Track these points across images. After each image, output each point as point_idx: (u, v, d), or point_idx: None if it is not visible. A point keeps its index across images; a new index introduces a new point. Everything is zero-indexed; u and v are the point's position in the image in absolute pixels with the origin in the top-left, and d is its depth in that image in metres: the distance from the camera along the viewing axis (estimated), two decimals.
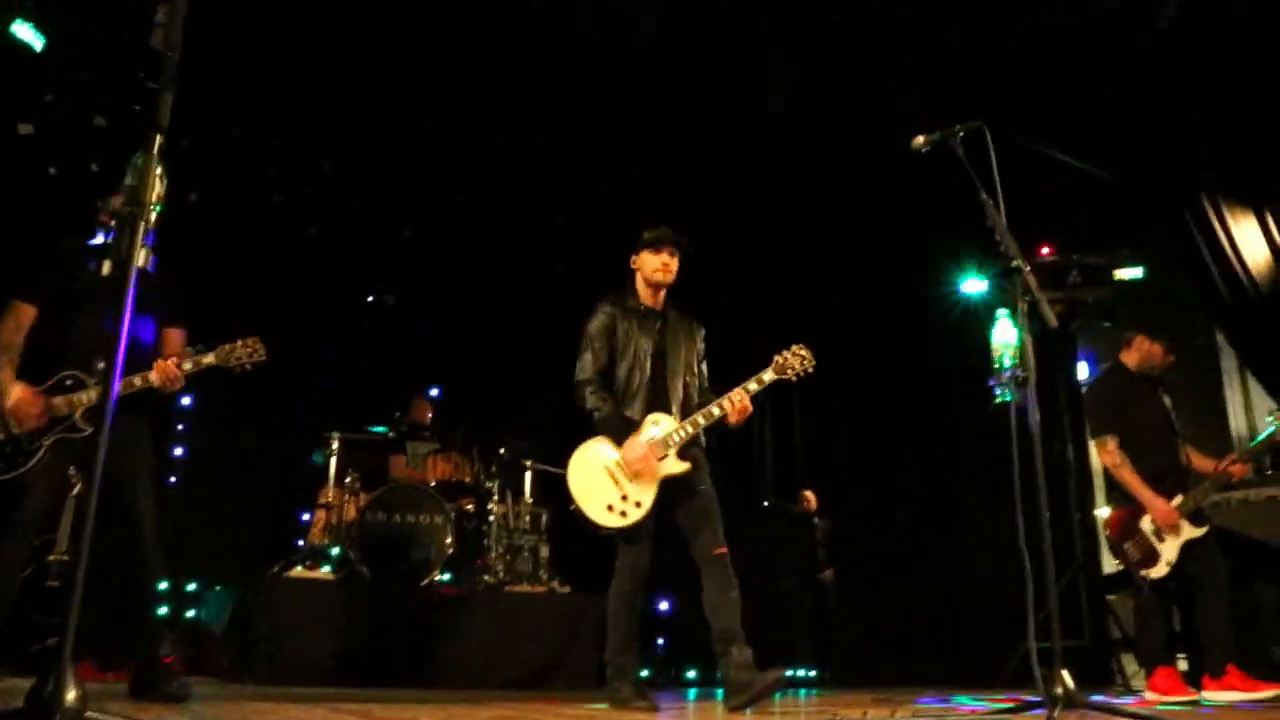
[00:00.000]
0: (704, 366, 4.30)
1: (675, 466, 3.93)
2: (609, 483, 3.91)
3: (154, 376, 3.57)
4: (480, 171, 7.66)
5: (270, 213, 7.57)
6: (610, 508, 3.88)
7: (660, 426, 3.96)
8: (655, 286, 4.21)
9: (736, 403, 3.93)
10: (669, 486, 3.94)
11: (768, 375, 4.01)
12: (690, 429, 3.95)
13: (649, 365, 4.09)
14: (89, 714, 1.59)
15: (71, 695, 1.53)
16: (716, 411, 3.94)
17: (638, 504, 3.88)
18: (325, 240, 7.88)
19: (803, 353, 4.04)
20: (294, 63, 6.44)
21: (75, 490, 5.06)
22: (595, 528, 3.89)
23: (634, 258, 4.25)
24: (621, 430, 3.96)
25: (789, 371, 4.02)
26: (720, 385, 4.12)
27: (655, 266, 4.16)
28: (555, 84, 6.71)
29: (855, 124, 6.89)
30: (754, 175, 7.49)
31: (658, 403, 4.05)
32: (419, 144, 7.29)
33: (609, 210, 8.14)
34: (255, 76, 6.42)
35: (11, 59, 5.76)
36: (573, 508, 3.92)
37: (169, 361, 3.59)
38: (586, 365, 4.11)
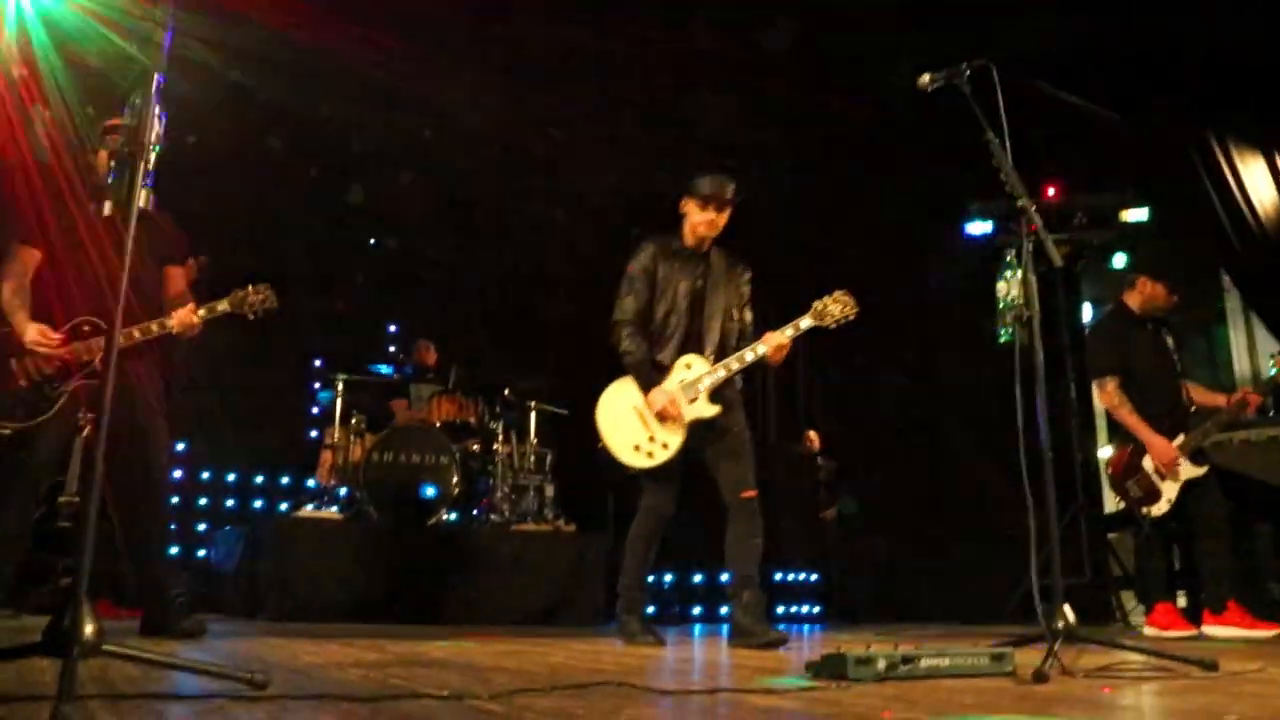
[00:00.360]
0: (748, 312, 4.17)
1: (706, 409, 3.88)
2: (637, 423, 3.88)
3: (173, 324, 3.60)
4: (483, 114, 7.57)
5: (270, 156, 7.51)
6: (637, 448, 3.86)
7: (692, 370, 3.92)
8: (699, 237, 4.10)
9: (773, 345, 3.86)
10: (699, 428, 3.89)
11: (805, 321, 3.91)
12: (724, 372, 3.90)
13: (686, 308, 4.02)
14: (106, 647, 1.62)
15: (89, 629, 1.56)
16: (750, 356, 3.89)
17: (664, 445, 3.85)
18: (326, 183, 7.82)
19: (845, 299, 3.93)
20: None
21: (84, 433, 5.09)
22: (622, 467, 3.87)
23: (683, 201, 4.12)
24: (649, 377, 3.91)
25: (828, 318, 3.91)
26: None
27: (701, 221, 4.05)
28: (558, 25, 6.59)
29: (855, 60, 6.78)
30: (753, 114, 7.40)
31: (692, 346, 3.99)
32: (420, 88, 7.20)
33: (611, 156, 8.08)
34: (255, 16, 6.32)
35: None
36: (600, 446, 3.91)
37: (187, 309, 3.62)
38: (627, 307, 4.04)
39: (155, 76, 1.75)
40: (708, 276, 4.08)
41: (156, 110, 1.73)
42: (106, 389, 1.63)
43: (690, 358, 3.95)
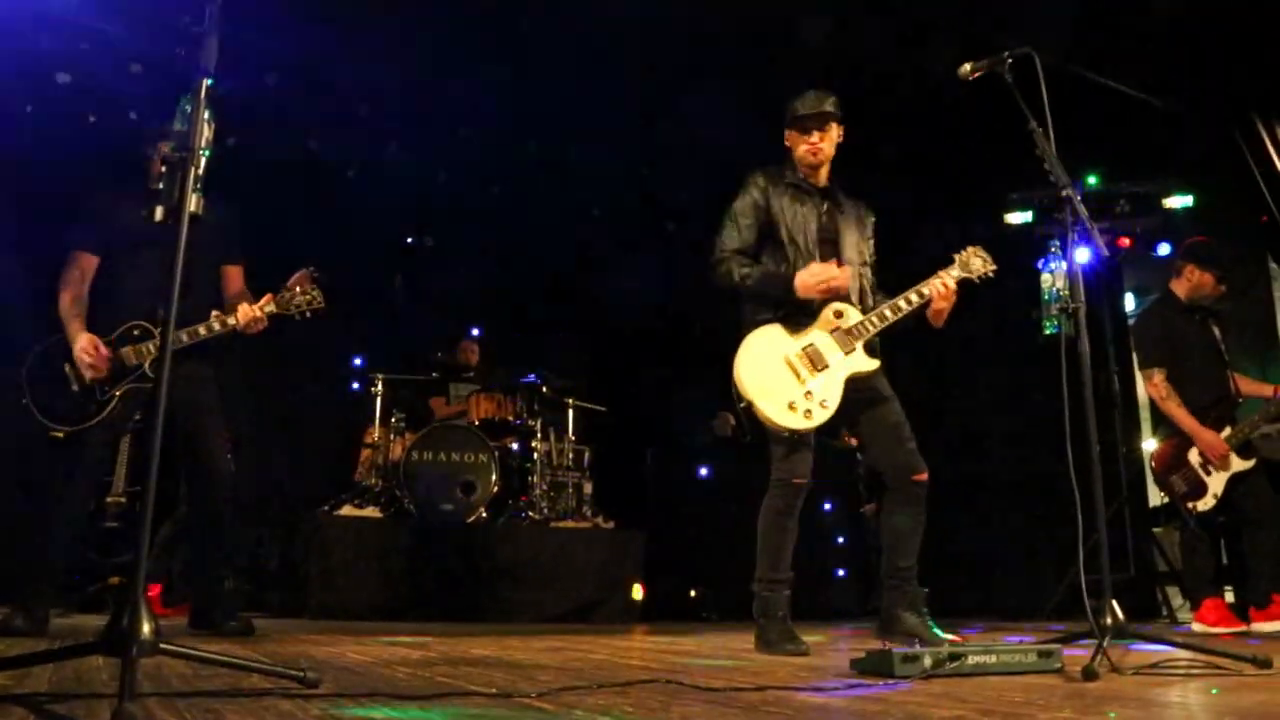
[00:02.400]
0: (872, 262, 3.70)
1: (865, 363, 3.40)
2: (790, 376, 3.31)
3: (238, 321, 3.64)
4: (518, 114, 7.60)
5: (308, 155, 7.57)
6: (792, 405, 3.27)
7: (845, 318, 3.41)
8: (810, 169, 3.62)
9: (942, 290, 3.42)
10: (851, 392, 3.38)
11: (955, 271, 3.51)
12: (878, 321, 3.41)
13: (818, 250, 3.48)
14: (163, 646, 1.65)
15: (146, 628, 1.59)
16: (915, 299, 3.41)
17: (823, 403, 3.30)
18: (364, 182, 7.87)
19: (984, 254, 3.57)
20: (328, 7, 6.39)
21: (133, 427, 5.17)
22: (773, 429, 3.30)
23: (787, 132, 3.65)
24: (781, 279, 3.37)
25: (973, 271, 3.53)
26: None
27: (802, 150, 3.58)
28: (596, 26, 6.60)
29: (890, 45, 6.72)
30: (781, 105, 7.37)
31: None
32: (459, 85, 7.24)
33: (645, 153, 8.07)
34: (291, 16, 6.38)
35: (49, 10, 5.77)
36: (743, 405, 3.29)
37: (254, 305, 3.65)
38: (727, 241, 3.50)
39: (204, 80, 1.77)
40: (834, 215, 3.60)
41: (206, 115, 1.75)
42: (160, 391, 1.65)
43: (840, 305, 3.42)
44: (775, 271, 3.42)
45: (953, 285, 3.47)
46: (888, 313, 3.42)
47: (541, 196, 8.24)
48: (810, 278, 3.34)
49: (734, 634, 4.81)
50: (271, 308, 3.72)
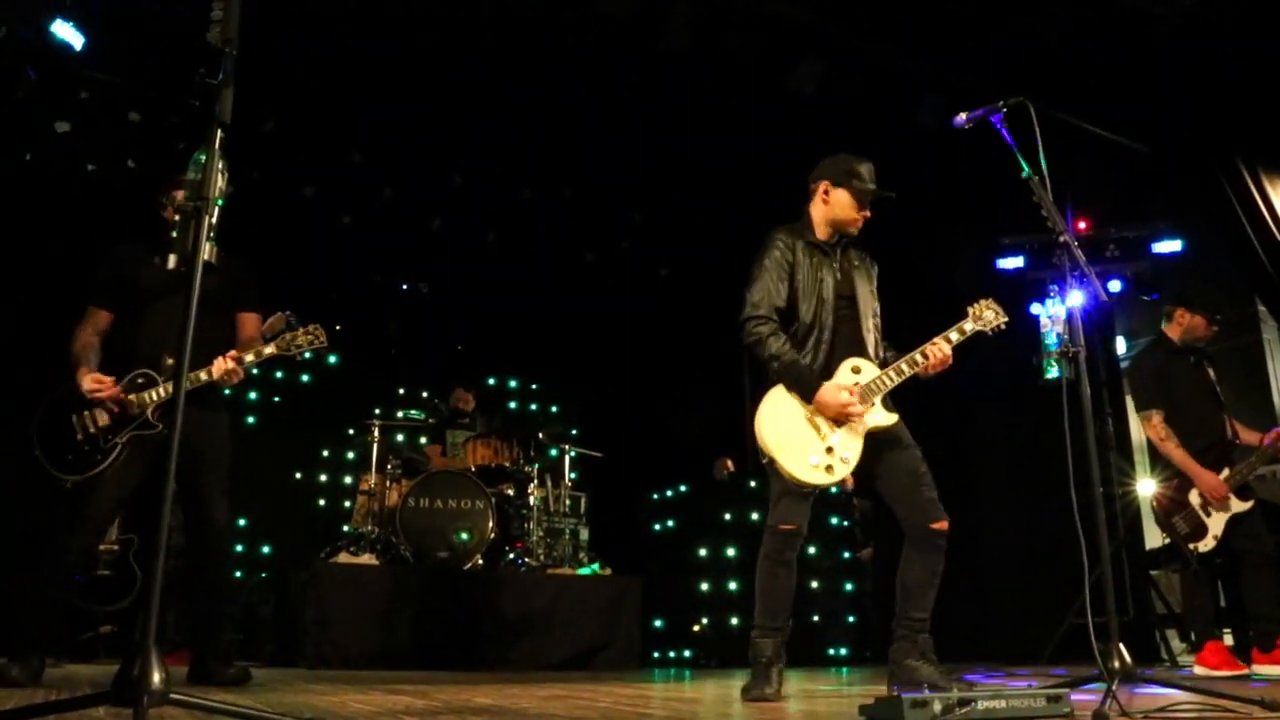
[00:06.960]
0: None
1: (885, 418, 3.42)
2: (811, 432, 3.35)
3: (214, 372, 3.61)
4: (511, 160, 7.67)
5: (303, 202, 7.62)
6: (814, 462, 3.32)
7: (863, 374, 3.44)
8: (837, 230, 3.67)
9: (937, 353, 3.45)
10: (871, 442, 3.41)
11: (968, 325, 3.53)
12: (894, 377, 3.43)
13: (834, 306, 3.54)
14: (173, 695, 1.63)
15: (157, 678, 1.58)
16: (920, 360, 3.45)
17: (844, 459, 3.34)
18: (359, 229, 7.91)
19: (996, 307, 3.57)
20: (325, 53, 6.47)
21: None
22: (794, 484, 3.33)
23: (829, 187, 3.63)
24: (810, 380, 3.37)
25: (987, 324, 3.54)
26: None
27: (853, 216, 3.60)
28: (590, 75, 6.69)
29: (883, 99, 6.82)
30: (780, 154, 7.47)
31: (852, 348, 3.51)
32: (452, 133, 7.32)
33: (638, 198, 8.14)
34: (287, 66, 6.46)
35: (51, 58, 5.83)
36: (765, 460, 3.36)
37: (226, 357, 3.62)
38: (759, 299, 3.49)
39: (218, 130, 1.79)
40: (849, 271, 3.64)
41: (220, 164, 1.77)
42: (173, 440, 1.66)
43: (857, 361, 3.46)
44: (803, 370, 3.41)
45: (949, 351, 3.48)
46: (905, 367, 3.45)
47: (537, 242, 8.30)
48: (832, 399, 3.35)
49: (735, 680, 4.77)
50: (272, 350, 3.71)
